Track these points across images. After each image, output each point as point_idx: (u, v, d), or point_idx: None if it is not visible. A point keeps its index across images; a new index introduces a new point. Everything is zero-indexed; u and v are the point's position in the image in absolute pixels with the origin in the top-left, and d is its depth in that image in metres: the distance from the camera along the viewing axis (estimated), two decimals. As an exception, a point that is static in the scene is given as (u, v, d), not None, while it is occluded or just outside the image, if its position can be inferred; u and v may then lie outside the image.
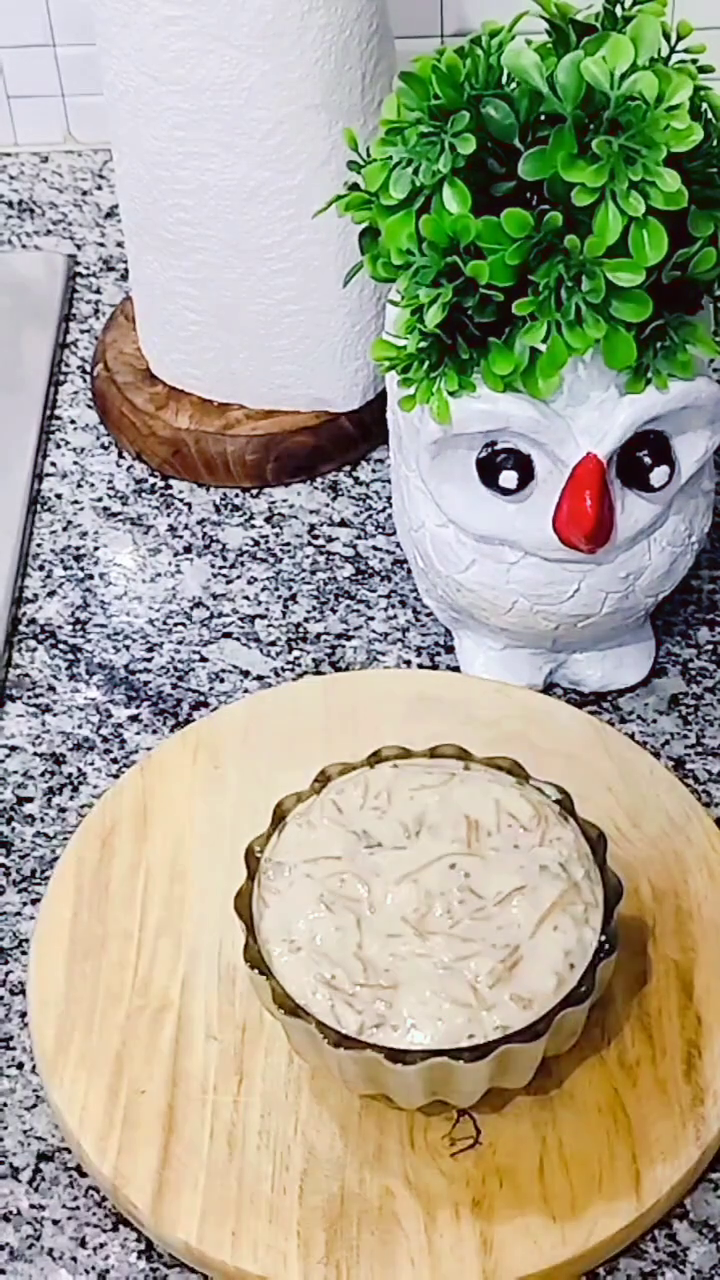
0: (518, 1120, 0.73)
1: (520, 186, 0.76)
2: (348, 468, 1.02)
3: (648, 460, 0.80)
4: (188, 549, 0.98)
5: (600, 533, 0.80)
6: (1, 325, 1.10)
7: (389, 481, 1.00)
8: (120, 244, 1.15)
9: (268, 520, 0.99)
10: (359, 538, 0.98)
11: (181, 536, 0.99)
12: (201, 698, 0.91)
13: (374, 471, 1.01)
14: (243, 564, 0.97)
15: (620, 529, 0.81)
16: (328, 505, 1.00)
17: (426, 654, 0.93)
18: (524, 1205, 0.71)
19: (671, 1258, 0.72)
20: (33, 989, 0.78)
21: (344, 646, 0.93)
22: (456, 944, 0.70)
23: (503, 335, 0.77)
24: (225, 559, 0.97)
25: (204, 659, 0.93)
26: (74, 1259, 0.72)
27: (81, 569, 0.97)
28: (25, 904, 0.83)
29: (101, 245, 1.16)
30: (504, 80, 0.77)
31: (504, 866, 0.72)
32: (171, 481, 1.01)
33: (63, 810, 0.86)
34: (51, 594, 0.96)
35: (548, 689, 0.90)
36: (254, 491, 1.01)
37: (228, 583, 0.96)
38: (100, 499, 1.01)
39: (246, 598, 0.95)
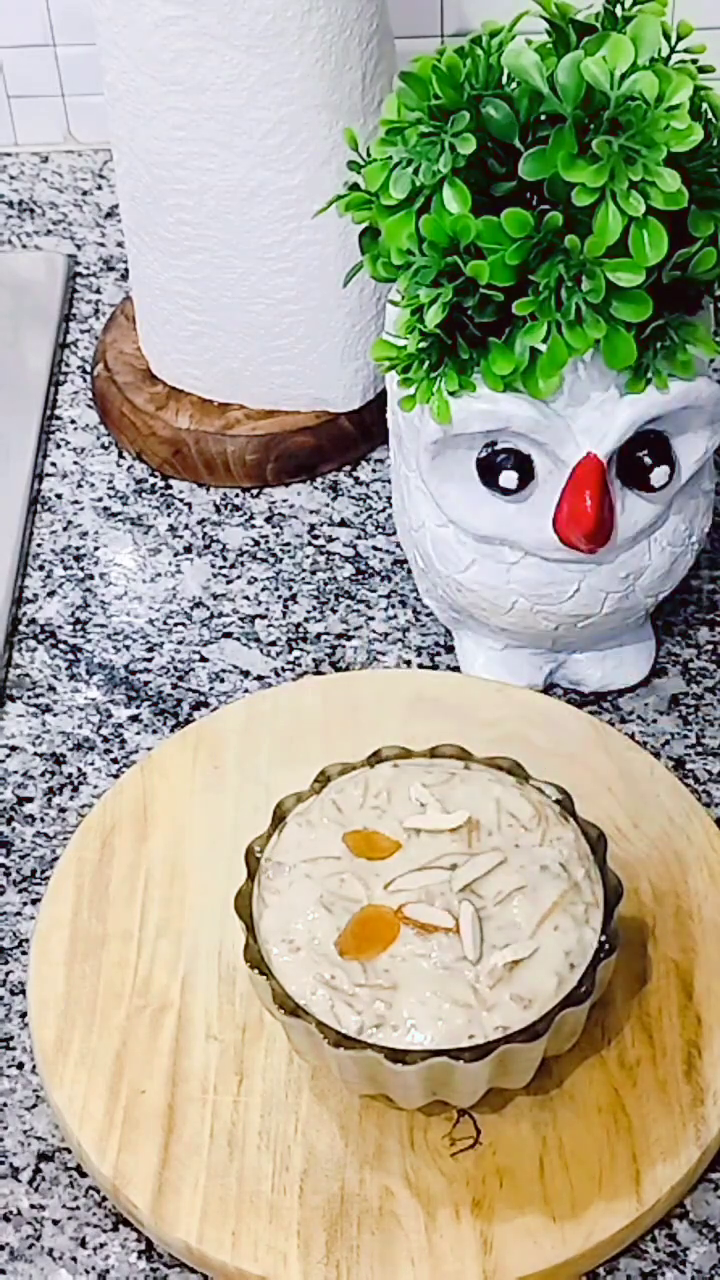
0: (518, 1120, 0.73)
1: (520, 186, 0.76)
2: (348, 468, 1.02)
3: (648, 460, 0.80)
4: (188, 549, 0.98)
5: (600, 533, 0.80)
6: (1, 325, 1.10)
7: (389, 481, 1.00)
8: (120, 244, 1.15)
9: (268, 520, 0.99)
10: (359, 538, 0.98)
11: (181, 536, 0.99)
12: (201, 698, 0.91)
13: (374, 471, 1.01)
14: (243, 564, 0.97)
15: (620, 529, 0.81)
16: (328, 505, 1.00)
17: (426, 654, 0.93)
18: (524, 1205, 0.71)
19: (671, 1258, 0.72)
20: (33, 989, 0.78)
21: (344, 646, 0.93)
22: (457, 944, 0.70)
23: (503, 335, 0.77)
24: (225, 559, 0.97)
25: (204, 659, 0.93)
26: (74, 1259, 0.72)
27: (81, 569, 0.97)
28: (25, 904, 0.83)
29: (101, 245, 1.16)
30: (504, 80, 0.77)
31: (504, 866, 0.72)
32: (171, 481, 1.02)
33: (63, 810, 0.86)
34: (51, 594, 0.96)
35: (548, 689, 0.90)
36: (254, 491, 1.01)
37: (228, 583, 0.96)
38: (100, 499, 1.01)
39: (246, 598, 0.95)
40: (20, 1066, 0.78)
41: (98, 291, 1.13)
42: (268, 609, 0.95)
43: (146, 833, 0.83)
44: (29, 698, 0.91)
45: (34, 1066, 0.78)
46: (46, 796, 0.87)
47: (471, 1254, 0.70)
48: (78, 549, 0.98)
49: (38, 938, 0.80)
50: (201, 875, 0.81)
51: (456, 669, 0.91)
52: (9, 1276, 0.72)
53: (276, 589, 0.96)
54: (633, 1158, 0.72)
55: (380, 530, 0.98)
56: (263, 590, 0.96)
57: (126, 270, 1.12)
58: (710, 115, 0.77)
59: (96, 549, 0.98)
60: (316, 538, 0.98)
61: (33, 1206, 0.74)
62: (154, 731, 0.89)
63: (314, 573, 0.96)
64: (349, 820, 0.74)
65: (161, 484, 1.01)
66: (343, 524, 0.99)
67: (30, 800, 0.87)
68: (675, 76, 0.73)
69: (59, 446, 1.03)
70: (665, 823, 0.82)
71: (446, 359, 0.77)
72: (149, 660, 0.93)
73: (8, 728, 0.90)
